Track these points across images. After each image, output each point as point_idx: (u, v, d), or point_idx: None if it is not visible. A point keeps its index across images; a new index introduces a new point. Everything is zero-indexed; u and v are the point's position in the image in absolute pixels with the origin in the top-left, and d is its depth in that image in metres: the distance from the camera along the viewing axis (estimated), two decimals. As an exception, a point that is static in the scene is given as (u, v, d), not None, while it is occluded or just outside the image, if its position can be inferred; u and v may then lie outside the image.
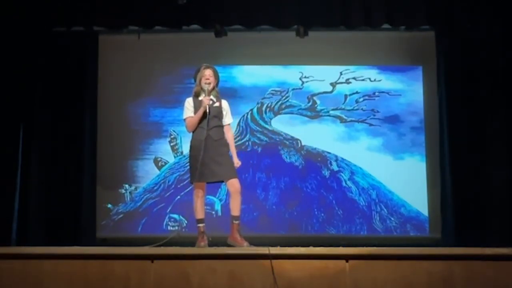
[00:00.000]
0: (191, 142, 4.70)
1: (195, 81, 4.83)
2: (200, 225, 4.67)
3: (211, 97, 4.70)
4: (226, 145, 4.72)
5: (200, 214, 4.66)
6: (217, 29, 6.19)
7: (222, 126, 4.73)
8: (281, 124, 6.80)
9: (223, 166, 4.59)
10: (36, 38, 6.26)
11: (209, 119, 4.61)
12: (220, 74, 4.86)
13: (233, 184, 4.60)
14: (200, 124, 4.64)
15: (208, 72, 4.75)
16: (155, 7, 5.94)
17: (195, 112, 4.67)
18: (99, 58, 6.75)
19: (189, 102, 4.75)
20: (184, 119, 4.74)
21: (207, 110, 4.61)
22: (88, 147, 6.55)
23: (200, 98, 4.71)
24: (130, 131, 6.80)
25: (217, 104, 4.73)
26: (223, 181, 4.69)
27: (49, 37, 6.36)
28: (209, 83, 4.70)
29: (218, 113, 4.71)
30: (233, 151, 4.76)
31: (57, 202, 6.30)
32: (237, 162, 4.71)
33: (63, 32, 6.24)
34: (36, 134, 6.37)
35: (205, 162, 4.53)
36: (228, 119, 4.80)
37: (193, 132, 4.70)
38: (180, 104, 6.60)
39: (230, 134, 4.81)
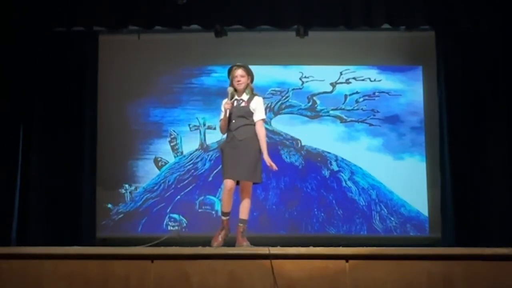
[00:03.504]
0: (221, 144, 4.91)
1: (229, 80, 4.81)
2: (224, 218, 4.66)
3: (242, 97, 4.68)
4: (254, 143, 4.64)
5: (225, 208, 4.64)
6: (217, 29, 6.18)
7: (250, 125, 4.67)
8: (281, 124, 6.79)
9: (244, 166, 4.58)
10: (36, 38, 6.26)
11: (234, 120, 4.64)
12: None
13: (244, 187, 4.64)
14: (228, 126, 4.68)
15: (239, 72, 4.70)
16: (155, 7, 5.93)
17: None
18: (99, 58, 6.74)
19: (223, 105, 4.77)
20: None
21: (227, 113, 4.64)
22: (88, 147, 6.54)
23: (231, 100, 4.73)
24: (130, 131, 6.80)
25: (243, 104, 4.69)
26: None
27: (49, 37, 6.35)
28: (241, 84, 4.68)
29: (245, 113, 4.67)
30: (263, 148, 4.62)
31: (57, 202, 6.29)
32: (269, 162, 4.60)
33: (63, 32, 6.24)
34: (36, 134, 6.36)
35: (231, 163, 4.58)
36: (258, 115, 4.68)
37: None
38: (180, 104, 6.74)
39: (261, 131, 4.66)
